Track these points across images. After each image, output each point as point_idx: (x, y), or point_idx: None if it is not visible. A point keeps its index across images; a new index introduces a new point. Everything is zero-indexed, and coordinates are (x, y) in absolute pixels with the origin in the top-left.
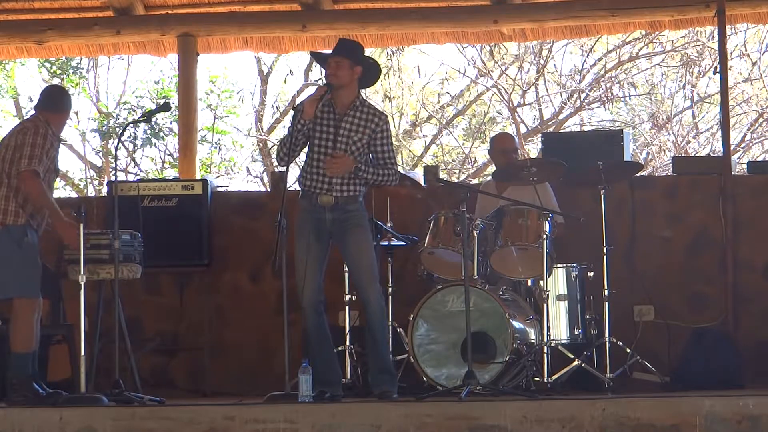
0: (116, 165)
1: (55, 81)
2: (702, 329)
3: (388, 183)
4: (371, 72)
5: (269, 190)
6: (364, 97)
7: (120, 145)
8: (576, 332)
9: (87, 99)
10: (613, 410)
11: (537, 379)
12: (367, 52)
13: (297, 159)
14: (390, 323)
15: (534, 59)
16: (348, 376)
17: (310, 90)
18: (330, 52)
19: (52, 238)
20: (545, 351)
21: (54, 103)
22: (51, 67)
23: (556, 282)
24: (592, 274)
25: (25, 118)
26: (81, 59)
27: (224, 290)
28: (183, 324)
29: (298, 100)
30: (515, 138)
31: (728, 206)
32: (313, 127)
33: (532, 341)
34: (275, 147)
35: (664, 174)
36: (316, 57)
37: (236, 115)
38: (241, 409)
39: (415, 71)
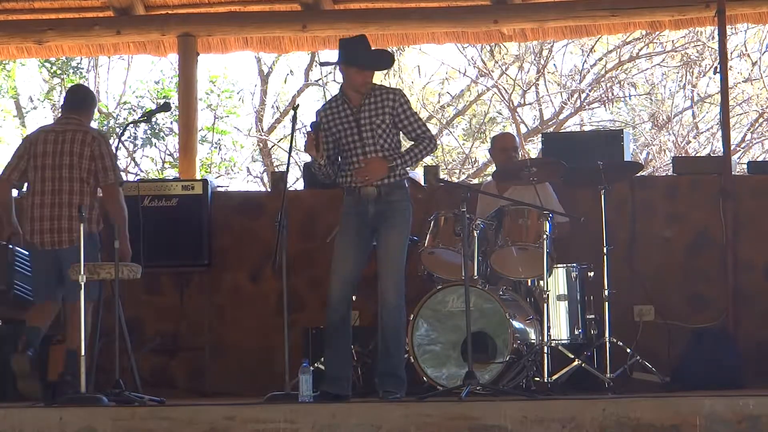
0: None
1: (55, 81)
2: (702, 329)
3: (430, 153)
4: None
5: (269, 190)
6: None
7: (120, 145)
8: (576, 332)
9: None
10: (613, 410)
11: (537, 379)
12: None
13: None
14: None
15: (534, 59)
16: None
17: (310, 90)
18: (342, 55)
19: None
20: (545, 351)
21: (91, 102)
22: (51, 67)
23: (556, 282)
24: (592, 274)
25: (67, 122)
26: (81, 59)
27: (224, 290)
28: (183, 324)
29: (297, 101)
30: (516, 138)
31: (728, 206)
32: (335, 131)
33: (532, 341)
34: (274, 147)
35: (664, 174)
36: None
37: (236, 115)
38: (241, 409)
39: (415, 71)
